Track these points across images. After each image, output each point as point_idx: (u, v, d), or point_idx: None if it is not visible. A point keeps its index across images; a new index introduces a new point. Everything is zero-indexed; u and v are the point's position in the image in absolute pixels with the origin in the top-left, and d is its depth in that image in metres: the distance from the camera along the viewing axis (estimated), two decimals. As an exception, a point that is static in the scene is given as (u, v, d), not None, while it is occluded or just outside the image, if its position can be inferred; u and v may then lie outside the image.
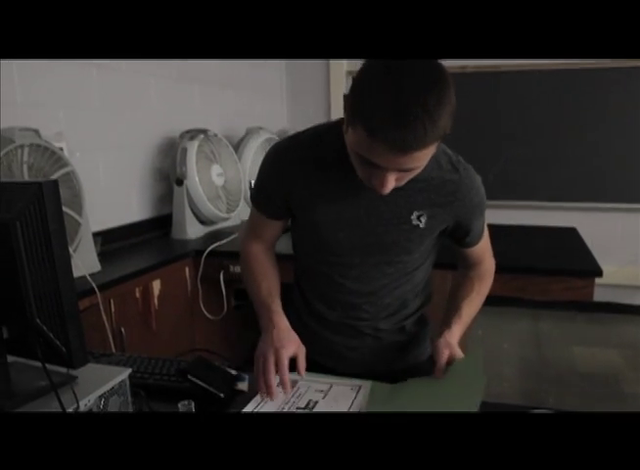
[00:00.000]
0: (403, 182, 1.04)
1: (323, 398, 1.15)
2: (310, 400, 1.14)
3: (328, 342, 1.33)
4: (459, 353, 1.17)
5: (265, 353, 1.12)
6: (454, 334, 1.21)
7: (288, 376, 1.10)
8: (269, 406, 1.12)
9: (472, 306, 1.28)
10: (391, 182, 1.00)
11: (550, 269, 2.24)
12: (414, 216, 1.17)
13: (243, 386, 1.22)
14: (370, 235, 1.19)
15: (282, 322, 1.18)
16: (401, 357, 1.35)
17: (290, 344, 1.14)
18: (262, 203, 1.29)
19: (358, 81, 0.96)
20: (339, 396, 1.16)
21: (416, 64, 0.92)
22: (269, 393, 1.09)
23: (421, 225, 1.18)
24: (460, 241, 1.27)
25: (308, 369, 1.18)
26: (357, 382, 1.20)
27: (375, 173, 1.01)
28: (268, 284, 1.27)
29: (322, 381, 1.22)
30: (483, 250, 1.33)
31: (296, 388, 1.19)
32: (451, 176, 1.16)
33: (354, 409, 1.10)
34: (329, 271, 1.27)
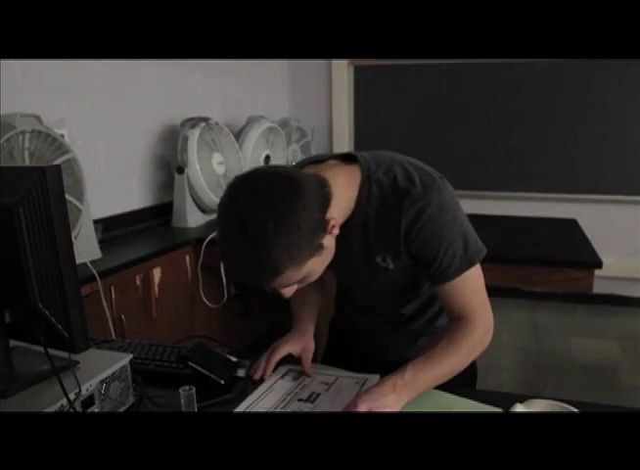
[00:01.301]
0: (311, 280, 1.03)
1: (326, 390, 1.15)
2: (313, 393, 1.15)
3: (368, 336, 1.37)
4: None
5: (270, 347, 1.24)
6: (383, 391, 1.02)
7: (271, 364, 1.21)
8: (272, 396, 1.13)
9: (424, 368, 1.06)
10: (287, 291, 1.02)
11: (550, 260, 2.25)
12: (379, 260, 1.13)
13: (243, 373, 1.23)
14: (355, 276, 1.20)
15: (302, 327, 1.27)
16: None
17: (295, 343, 1.23)
18: None
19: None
20: (342, 389, 1.15)
21: (248, 199, 0.92)
22: (254, 374, 1.21)
23: (390, 266, 1.12)
24: (426, 272, 1.12)
25: (349, 356, 1.29)
26: (364, 375, 1.20)
27: None
28: (303, 295, 1.31)
29: (328, 373, 1.22)
30: (463, 299, 1.11)
31: (301, 379, 1.20)
32: (395, 215, 1.06)
33: None
34: (347, 290, 1.33)
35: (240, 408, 1.09)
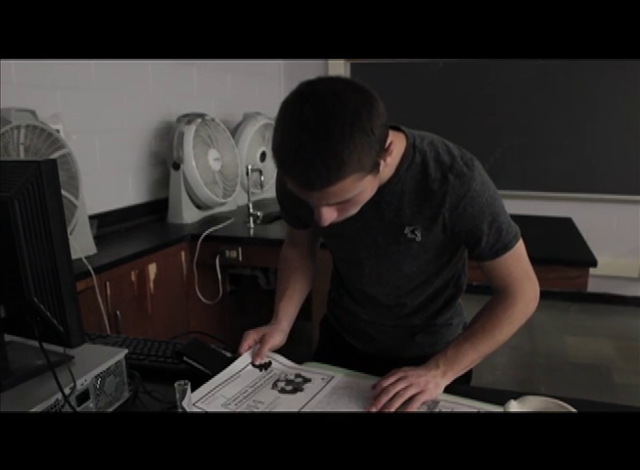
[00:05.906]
0: (351, 212, 1.00)
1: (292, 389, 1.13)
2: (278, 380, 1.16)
3: (364, 331, 1.36)
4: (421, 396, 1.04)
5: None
6: (430, 368, 1.10)
7: (245, 348, 1.24)
8: (234, 386, 1.13)
9: (465, 344, 1.13)
10: (327, 214, 0.97)
11: (545, 259, 2.24)
12: (407, 231, 1.12)
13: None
14: (372, 246, 1.18)
15: (275, 321, 1.29)
16: (432, 343, 1.33)
17: (260, 331, 1.26)
18: (283, 215, 1.34)
19: (278, 114, 0.94)
20: (308, 387, 1.13)
21: (328, 94, 0.88)
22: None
23: (417, 239, 1.12)
24: (471, 252, 1.16)
25: (341, 353, 1.31)
26: (329, 372, 1.18)
27: (312, 207, 0.99)
28: (286, 286, 1.34)
29: (296, 367, 1.21)
30: (509, 273, 1.14)
31: (270, 369, 1.20)
32: (438, 187, 1.07)
33: (319, 399, 1.08)
34: (349, 274, 1.31)
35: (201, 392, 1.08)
